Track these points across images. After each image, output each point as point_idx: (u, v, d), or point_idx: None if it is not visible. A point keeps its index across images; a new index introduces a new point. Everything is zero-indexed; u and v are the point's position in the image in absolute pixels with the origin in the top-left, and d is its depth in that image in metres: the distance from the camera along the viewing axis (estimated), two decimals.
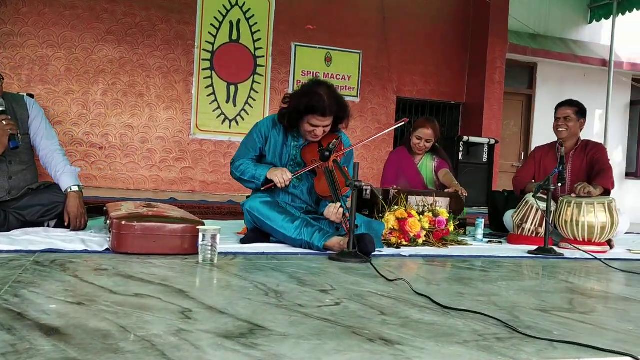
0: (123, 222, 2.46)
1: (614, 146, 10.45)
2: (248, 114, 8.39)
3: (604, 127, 9.52)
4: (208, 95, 8.28)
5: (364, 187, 3.93)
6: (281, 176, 2.96)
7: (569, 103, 4.03)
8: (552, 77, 10.06)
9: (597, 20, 10.03)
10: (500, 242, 3.85)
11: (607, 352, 1.40)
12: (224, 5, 8.30)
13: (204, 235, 2.37)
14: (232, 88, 8.38)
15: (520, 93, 10.04)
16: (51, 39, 7.59)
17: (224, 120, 8.30)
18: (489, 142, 8.58)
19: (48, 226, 3.04)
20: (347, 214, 2.81)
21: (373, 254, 2.90)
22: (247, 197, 3.33)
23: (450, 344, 1.40)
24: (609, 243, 3.77)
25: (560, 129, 3.96)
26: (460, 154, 8.53)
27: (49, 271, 2.01)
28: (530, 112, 10.00)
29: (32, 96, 6.81)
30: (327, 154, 2.95)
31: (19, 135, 2.88)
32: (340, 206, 2.82)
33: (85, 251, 2.47)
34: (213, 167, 8.28)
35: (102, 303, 1.61)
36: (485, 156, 8.63)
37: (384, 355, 1.28)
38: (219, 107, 8.31)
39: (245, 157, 3.18)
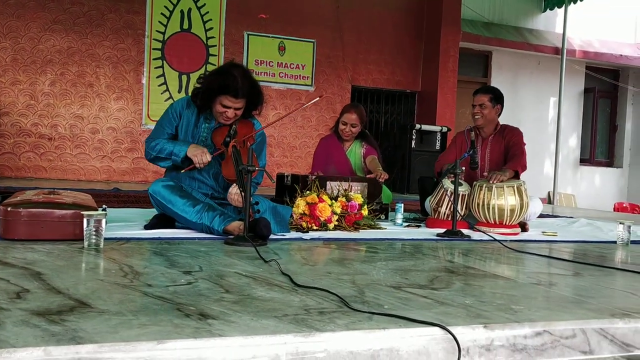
0: (9, 209, 2.46)
1: (568, 133, 10.63)
2: None
3: (557, 114, 9.66)
4: (159, 85, 8.26)
5: (285, 174, 3.98)
6: (201, 157, 2.96)
7: (484, 90, 4.10)
8: (507, 66, 10.19)
9: (551, 9, 10.17)
10: (418, 226, 3.92)
11: (417, 322, 1.45)
12: None
13: (88, 221, 2.39)
14: (184, 77, 8.37)
15: (476, 81, 10.14)
16: None
17: None
18: (442, 130, 8.68)
19: None
20: (251, 199, 2.86)
21: (275, 237, 2.95)
22: None
23: (267, 318, 1.44)
24: (523, 225, 3.85)
25: (477, 117, 4.03)
26: (414, 142, 8.64)
27: None
28: None
29: None
30: (228, 139, 2.97)
31: None
32: (241, 190, 2.85)
33: None
34: None
35: None
36: (438, 144, 8.73)
37: (185, 329, 1.32)
38: (170, 97, 8.29)
39: (161, 137, 3.18)
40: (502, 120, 4.19)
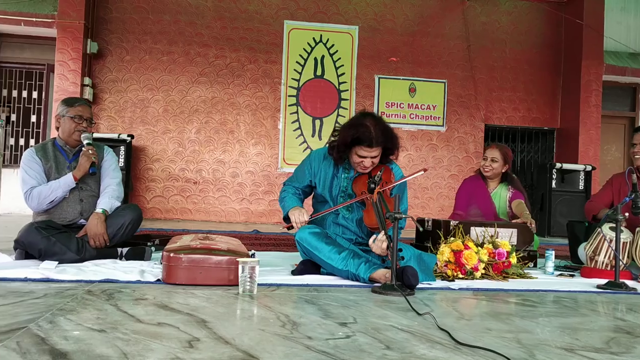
0: (171, 255, 2.62)
1: None
2: None
3: None
4: (294, 130, 8.55)
5: (426, 219, 3.89)
6: (298, 216, 3.09)
7: None
8: None
9: None
10: (572, 276, 3.63)
11: None
12: (308, 43, 8.60)
13: (243, 267, 2.47)
14: (318, 122, 8.60)
15: (622, 116, 9.46)
16: (150, 83, 8.22)
17: None
18: (585, 168, 8.13)
19: (120, 256, 3.28)
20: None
21: (421, 286, 2.87)
22: None
23: None
24: None
25: (637, 156, 3.70)
26: (554, 182, 8.16)
27: (94, 300, 2.19)
28: None
29: (132, 137, 7.41)
30: (372, 186, 2.97)
31: (98, 166, 3.35)
32: (385, 238, 2.82)
33: (139, 282, 2.65)
34: None
35: (122, 331, 1.73)
36: (581, 184, 8.18)
37: None
38: (305, 141, 8.55)
39: (292, 184, 3.37)
40: None
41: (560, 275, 3.64)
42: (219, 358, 1.49)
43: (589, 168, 8.14)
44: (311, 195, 3.50)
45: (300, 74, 8.58)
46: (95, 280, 2.62)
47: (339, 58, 8.67)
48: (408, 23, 8.84)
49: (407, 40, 8.81)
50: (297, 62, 8.57)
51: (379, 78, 8.75)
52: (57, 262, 2.96)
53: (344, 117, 8.61)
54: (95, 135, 7.14)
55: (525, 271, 3.51)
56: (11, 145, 8.23)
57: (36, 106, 8.37)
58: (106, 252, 3.24)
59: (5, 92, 8.34)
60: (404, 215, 2.69)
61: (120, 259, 3.27)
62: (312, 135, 8.58)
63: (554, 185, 8.13)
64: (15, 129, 8.30)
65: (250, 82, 8.46)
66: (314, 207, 3.43)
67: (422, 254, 3.10)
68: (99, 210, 3.26)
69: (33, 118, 8.36)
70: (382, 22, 8.79)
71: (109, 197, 3.33)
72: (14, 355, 1.44)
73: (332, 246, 2.97)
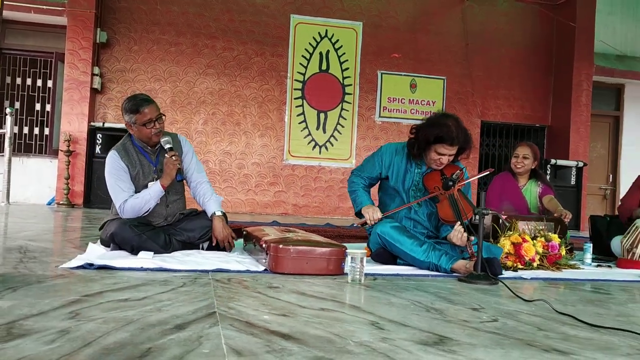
0: (280, 246, 2.80)
1: None
2: (337, 140, 8.76)
3: None
4: (299, 123, 8.73)
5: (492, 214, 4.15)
6: (372, 214, 3.32)
7: None
8: None
9: None
10: (609, 267, 3.96)
11: None
12: (314, 37, 8.76)
13: (353, 258, 2.68)
14: (322, 115, 8.80)
15: (607, 115, 9.97)
16: (158, 74, 8.25)
17: (314, 146, 8.70)
18: (577, 165, 8.58)
19: (202, 248, 3.42)
20: (472, 238, 3.09)
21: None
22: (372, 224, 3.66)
23: (616, 356, 1.62)
24: None
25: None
26: (548, 177, 8.55)
27: (235, 288, 2.36)
28: (618, 134, 9.90)
29: None
30: (451, 183, 3.22)
31: (182, 170, 3.35)
32: (464, 230, 3.07)
33: (247, 271, 2.82)
34: (304, 191, 8.67)
35: (302, 315, 1.92)
36: (573, 179, 8.63)
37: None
38: (309, 134, 8.73)
39: (361, 175, 3.60)
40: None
41: (599, 266, 3.96)
42: (423, 339, 1.69)
43: (580, 164, 8.59)
44: (376, 186, 3.73)
45: (305, 67, 8.75)
46: (208, 269, 2.78)
47: (344, 53, 8.88)
48: (410, 20, 9.11)
49: (409, 37, 9.08)
50: (302, 56, 8.74)
51: (382, 74, 8.99)
52: (152, 253, 3.10)
53: (348, 110, 8.84)
54: (105, 125, 7.17)
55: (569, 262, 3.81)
56: (15, 134, 8.14)
57: (40, 94, 8.29)
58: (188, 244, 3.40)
59: (8, 80, 8.23)
60: (491, 211, 2.93)
61: (202, 249, 3.43)
62: (317, 128, 8.77)
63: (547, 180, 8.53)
64: (19, 117, 8.21)
65: (257, 75, 8.59)
66: (381, 200, 3.65)
67: (490, 246, 3.36)
68: (218, 213, 3.37)
69: (37, 106, 8.29)
70: (385, 18, 9.02)
71: (215, 195, 3.45)
72: (244, 335, 1.61)
73: (413, 239, 3.20)
